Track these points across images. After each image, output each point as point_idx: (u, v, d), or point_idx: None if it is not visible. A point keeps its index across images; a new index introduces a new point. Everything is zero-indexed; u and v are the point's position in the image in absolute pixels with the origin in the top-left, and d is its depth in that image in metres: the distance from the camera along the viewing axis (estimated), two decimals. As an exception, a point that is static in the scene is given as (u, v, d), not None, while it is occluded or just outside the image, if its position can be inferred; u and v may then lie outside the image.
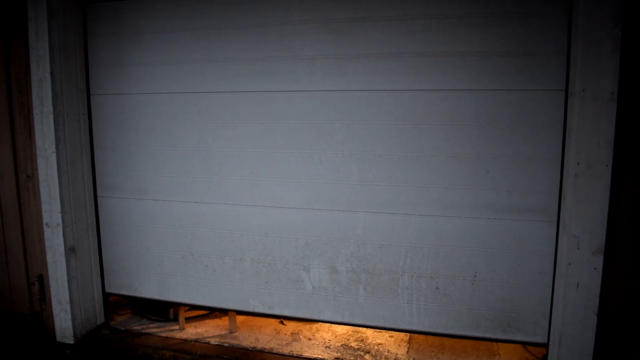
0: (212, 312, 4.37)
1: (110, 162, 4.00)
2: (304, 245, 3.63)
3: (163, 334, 4.03)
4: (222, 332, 4.03)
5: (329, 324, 4.11)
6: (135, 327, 4.15)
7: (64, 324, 3.92)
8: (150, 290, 4.08)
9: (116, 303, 4.52)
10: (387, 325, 3.56)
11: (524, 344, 3.45)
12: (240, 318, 4.22)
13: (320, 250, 3.60)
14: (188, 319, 4.23)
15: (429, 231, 3.34)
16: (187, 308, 4.29)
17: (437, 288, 3.38)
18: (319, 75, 3.39)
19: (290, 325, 4.12)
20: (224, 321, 4.20)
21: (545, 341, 3.20)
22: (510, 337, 3.30)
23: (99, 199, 4.07)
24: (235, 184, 3.71)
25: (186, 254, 3.92)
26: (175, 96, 3.73)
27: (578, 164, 2.75)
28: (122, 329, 4.14)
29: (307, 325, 4.12)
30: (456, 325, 3.38)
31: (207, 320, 4.25)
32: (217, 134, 3.69)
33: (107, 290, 4.17)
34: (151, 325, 4.18)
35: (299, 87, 3.45)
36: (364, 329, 4.02)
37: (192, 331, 4.06)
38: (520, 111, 3.03)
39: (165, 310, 4.25)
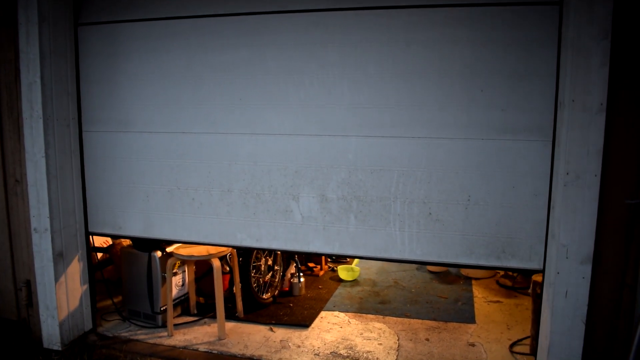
0: (201, 319, 4.35)
1: (95, 96, 3.93)
2: (294, 174, 3.56)
3: (151, 341, 4.00)
4: (211, 339, 4.01)
5: (317, 332, 4.10)
6: (123, 334, 4.12)
7: (51, 330, 3.88)
8: (134, 227, 3.99)
9: (104, 309, 4.49)
10: (378, 255, 3.48)
11: (519, 271, 3.34)
12: (229, 325, 4.21)
13: (311, 178, 3.52)
14: (177, 326, 4.21)
15: (421, 154, 3.27)
16: (175, 314, 4.27)
17: (430, 214, 3.31)
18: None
19: (280, 333, 4.11)
20: (213, 328, 4.18)
21: (541, 267, 3.13)
22: (504, 264, 3.22)
23: (83, 134, 3.98)
24: (224, 111, 3.63)
25: (172, 187, 3.84)
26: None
27: (567, 173, 2.77)
28: (110, 335, 4.11)
29: (297, 333, 4.11)
30: (449, 252, 3.31)
31: (196, 327, 4.23)
32: (205, 60, 3.63)
33: (90, 230, 4.08)
34: (139, 332, 4.15)
35: (290, 8, 3.40)
36: (352, 337, 4.01)
37: (181, 338, 4.04)
38: (515, 26, 3.02)
39: (154, 317, 4.22)
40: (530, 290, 3.84)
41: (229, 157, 3.68)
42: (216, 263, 3.97)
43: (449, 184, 3.26)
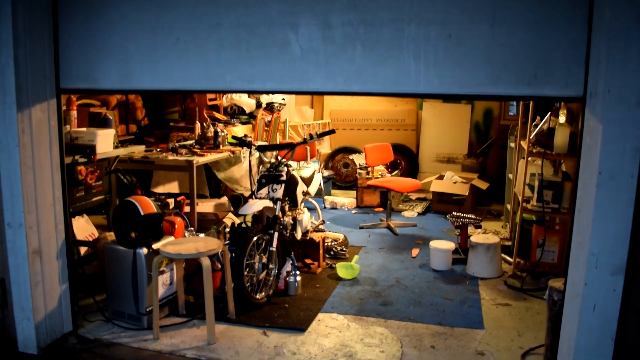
0: (190, 320, 4.06)
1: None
2: None
3: (135, 345, 3.71)
4: (200, 344, 3.72)
5: (314, 337, 3.81)
6: (105, 336, 3.83)
7: (26, 333, 3.58)
8: (111, 78, 3.55)
9: (86, 308, 4.19)
10: (388, 90, 3.09)
11: (554, 99, 2.94)
12: (219, 328, 3.92)
13: (311, 3, 3.11)
14: (164, 328, 3.92)
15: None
16: (163, 315, 3.98)
17: (450, 35, 2.91)
18: None
19: (274, 337, 3.82)
20: (202, 330, 3.89)
21: (581, 94, 2.74)
22: (537, 91, 2.81)
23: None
24: None
25: (155, 26, 3.41)
26: None
27: (600, 173, 2.46)
28: (91, 337, 3.82)
29: (292, 337, 3.82)
30: (472, 81, 2.91)
31: (184, 330, 3.94)
32: None
33: (62, 86, 3.64)
34: (123, 334, 3.86)
35: None
36: (352, 343, 3.73)
37: (167, 342, 3.75)
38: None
39: (139, 318, 3.93)
40: (545, 297, 3.56)
41: None
42: (206, 262, 3.66)
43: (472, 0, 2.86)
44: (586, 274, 2.54)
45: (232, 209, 6.47)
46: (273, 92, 3.31)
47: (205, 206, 6.22)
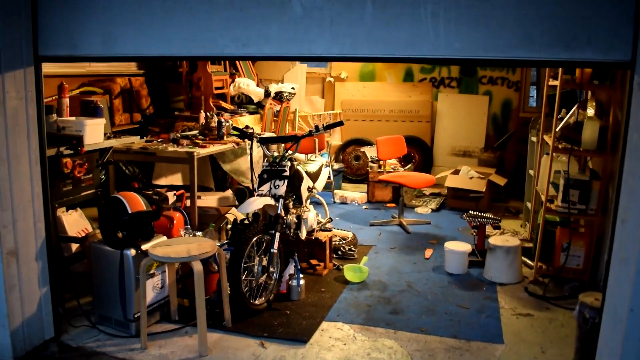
0: (183, 327, 3.74)
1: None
2: None
3: (120, 355, 3.40)
4: (191, 355, 3.39)
5: (316, 351, 3.47)
6: (89, 344, 3.52)
7: (2, 340, 3.27)
8: (92, 44, 3.21)
9: (74, 311, 3.87)
10: (402, 54, 2.71)
11: (596, 64, 2.52)
12: (213, 337, 3.59)
13: None
14: (153, 335, 3.60)
15: None
16: (153, 321, 3.66)
17: None
18: None
19: (272, 349, 3.48)
20: (195, 339, 3.56)
21: (628, 58, 2.37)
22: (576, 56, 2.45)
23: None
24: None
25: None
26: None
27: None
28: (74, 345, 3.51)
29: (292, 350, 3.48)
30: (499, 43, 2.54)
31: (175, 339, 3.62)
32: None
33: (40, 53, 3.32)
34: (108, 342, 3.55)
35: None
36: (357, 358, 3.38)
37: (155, 352, 3.43)
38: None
39: (127, 324, 3.61)
40: (575, 313, 3.19)
41: None
42: (197, 267, 3.33)
43: None
44: (633, 298, 2.16)
45: (236, 203, 6.13)
46: (270, 58, 2.90)
47: (208, 200, 5.90)
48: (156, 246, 3.51)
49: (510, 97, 8.41)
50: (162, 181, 6.15)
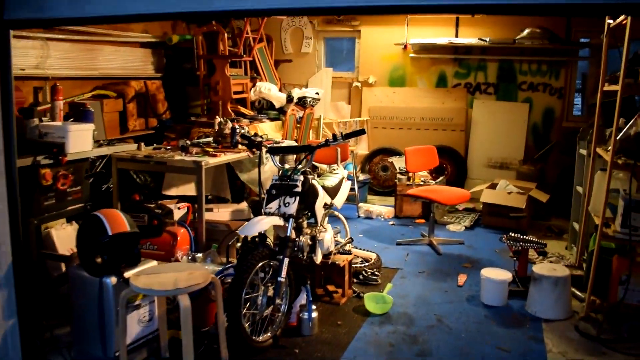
0: None
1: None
2: None
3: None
4: (177, 406, 2.86)
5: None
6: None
7: (-43, 381, 2.81)
8: (60, 4, 2.78)
9: (53, 341, 3.38)
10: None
11: None
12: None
13: None
14: None
15: None
16: (140, 359, 3.14)
17: None
18: None
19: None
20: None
21: None
22: None
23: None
24: None
25: None
26: None
27: None
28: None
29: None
30: None
31: (162, 382, 3.09)
32: None
33: (5, 17, 2.86)
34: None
35: None
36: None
37: (136, 400, 2.90)
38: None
39: None
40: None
41: None
42: (184, 302, 2.79)
43: None
44: None
45: (252, 216, 5.61)
46: (271, 12, 2.36)
47: (220, 214, 5.40)
48: (140, 274, 2.99)
49: (552, 105, 7.74)
50: (172, 191, 5.70)
